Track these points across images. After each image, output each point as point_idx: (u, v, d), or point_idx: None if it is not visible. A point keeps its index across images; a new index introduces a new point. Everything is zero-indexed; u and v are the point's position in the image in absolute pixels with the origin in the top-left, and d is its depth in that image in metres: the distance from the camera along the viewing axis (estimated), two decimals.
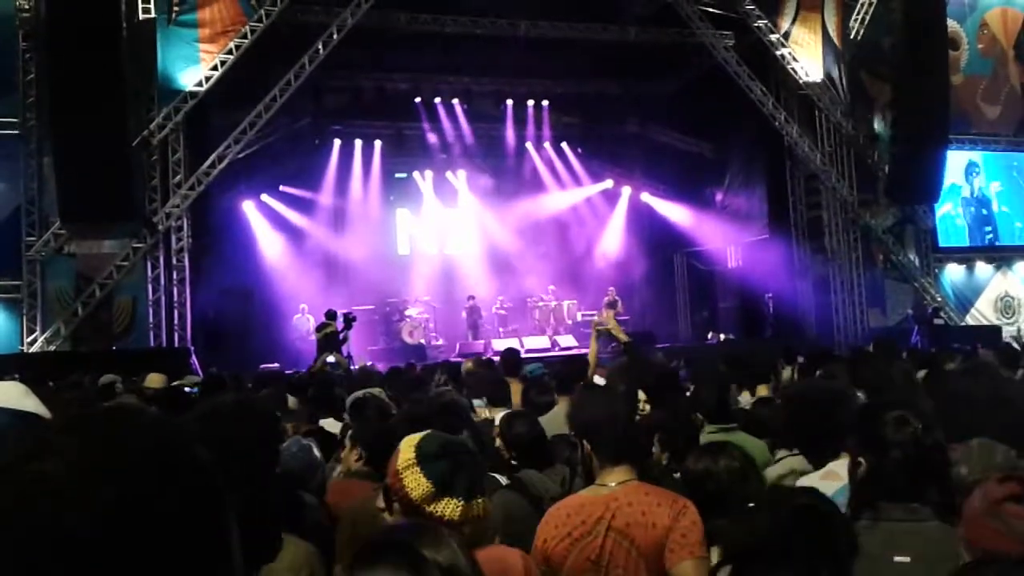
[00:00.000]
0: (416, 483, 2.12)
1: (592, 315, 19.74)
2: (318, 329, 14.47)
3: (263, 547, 2.10)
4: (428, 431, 2.28)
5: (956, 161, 19.39)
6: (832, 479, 2.76)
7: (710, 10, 17.06)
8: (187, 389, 7.76)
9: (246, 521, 0.90)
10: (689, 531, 2.60)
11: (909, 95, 16.76)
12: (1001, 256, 19.92)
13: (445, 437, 2.27)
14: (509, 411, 4.66)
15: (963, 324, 18.22)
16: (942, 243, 19.24)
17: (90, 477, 0.71)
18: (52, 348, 13.77)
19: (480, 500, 2.16)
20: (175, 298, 14.65)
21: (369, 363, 13.40)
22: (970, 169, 19.92)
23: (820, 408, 3.30)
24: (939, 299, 18.37)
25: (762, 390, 6.06)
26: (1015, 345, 11.10)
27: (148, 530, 0.71)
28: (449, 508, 2.10)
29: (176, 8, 14.37)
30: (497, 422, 4.12)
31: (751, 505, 2.45)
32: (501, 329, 19.06)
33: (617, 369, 6.37)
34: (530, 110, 20.37)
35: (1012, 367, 6.60)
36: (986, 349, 9.56)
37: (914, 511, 2.13)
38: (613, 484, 2.80)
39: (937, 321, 17.43)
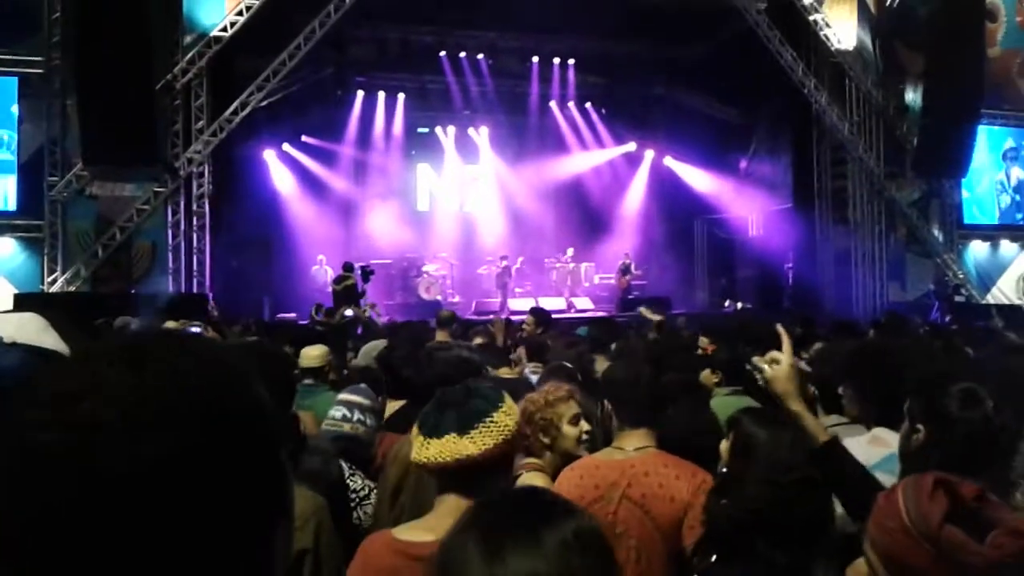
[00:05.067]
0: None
1: (609, 278, 19.73)
2: (336, 281, 14.48)
3: None
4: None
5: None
6: (879, 445, 2.59)
7: None
8: (194, 330, 7.78)
9: None
10: None
11: (942, 66, 16.29)
12: None
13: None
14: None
15: (984, 302, 17.99)
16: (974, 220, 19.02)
17: (146, 423, 0.66)
18: (72, 288, 13.88)
19: (446, 439, 1.92)
20: (194, 244, 14.69)
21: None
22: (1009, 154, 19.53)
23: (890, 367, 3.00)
24: (961, 275, 18.15)
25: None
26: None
27: (204, 480, 0.67)
28: (420, 449, 1.96)
29: None
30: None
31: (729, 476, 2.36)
32: (517, 289, 19.05)
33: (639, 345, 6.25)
34: (556, 68, 20.12)
35: None
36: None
37: None
38: (630, 449, 2.75)
39: (958, 298, 17.24)
